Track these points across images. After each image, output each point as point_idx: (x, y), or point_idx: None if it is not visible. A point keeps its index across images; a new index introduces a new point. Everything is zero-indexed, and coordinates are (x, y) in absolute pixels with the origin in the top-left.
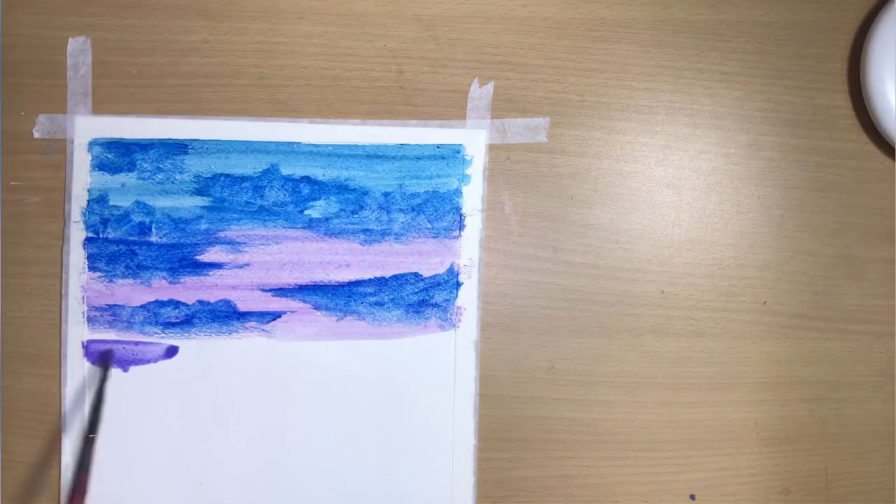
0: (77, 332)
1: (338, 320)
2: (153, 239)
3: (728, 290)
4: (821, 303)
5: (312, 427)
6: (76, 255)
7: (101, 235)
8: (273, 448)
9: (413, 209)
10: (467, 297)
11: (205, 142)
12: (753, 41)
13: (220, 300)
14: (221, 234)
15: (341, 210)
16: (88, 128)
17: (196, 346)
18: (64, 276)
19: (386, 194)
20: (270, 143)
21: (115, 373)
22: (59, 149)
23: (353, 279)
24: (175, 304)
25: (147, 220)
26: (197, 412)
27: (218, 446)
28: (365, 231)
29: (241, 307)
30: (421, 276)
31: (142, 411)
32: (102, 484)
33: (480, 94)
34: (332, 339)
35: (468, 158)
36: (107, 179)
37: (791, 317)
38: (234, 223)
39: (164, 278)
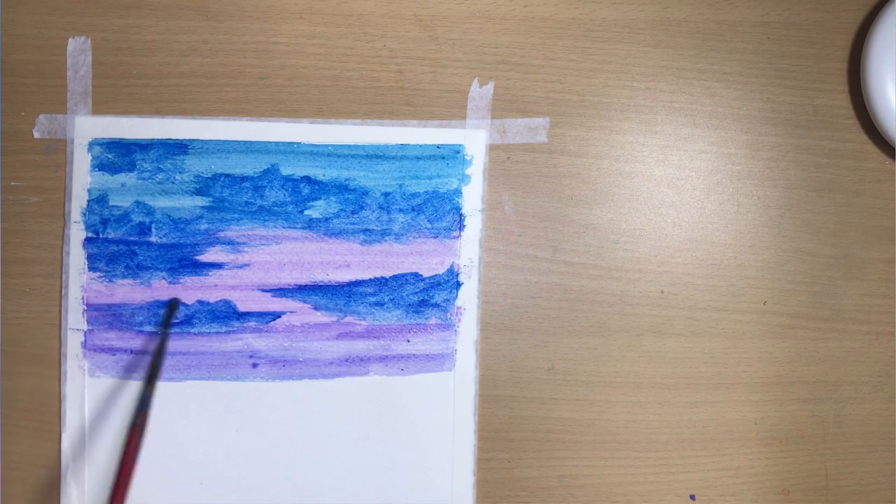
0: (77, 331)
1: (338, 320)
2: (153, 239)
3: (728, 290)
4: (821, 303)
5: (312, 427)
6: (76, 255)
7: (101, 235)
8: (272, 447)
9: (413, 209)
10: (467, 297)
11: (205, 142)
12: (753, 41)
13: (220, 300)
14: (221, 235)
15: (341, 210)
16: (88, 128)
17: (196, 347)
18: (64, 276)
19: (386, 194)
20: (270, 143)
21: (114, 375)
22: (59, 149)
23: (353, 279)
24: None
25: (147, 220)
26: (196, 412)
27: (217, 446)
28: (365, 231)
29: (241, 307)
30: (421, 276)
31: None
32: (102, 484)
33: (480, 94)
34: (331, 340)
35: (468, 158)
36: (107, 179)
37: (791, 317)
38: (234, 223)
39: (164, 278)
